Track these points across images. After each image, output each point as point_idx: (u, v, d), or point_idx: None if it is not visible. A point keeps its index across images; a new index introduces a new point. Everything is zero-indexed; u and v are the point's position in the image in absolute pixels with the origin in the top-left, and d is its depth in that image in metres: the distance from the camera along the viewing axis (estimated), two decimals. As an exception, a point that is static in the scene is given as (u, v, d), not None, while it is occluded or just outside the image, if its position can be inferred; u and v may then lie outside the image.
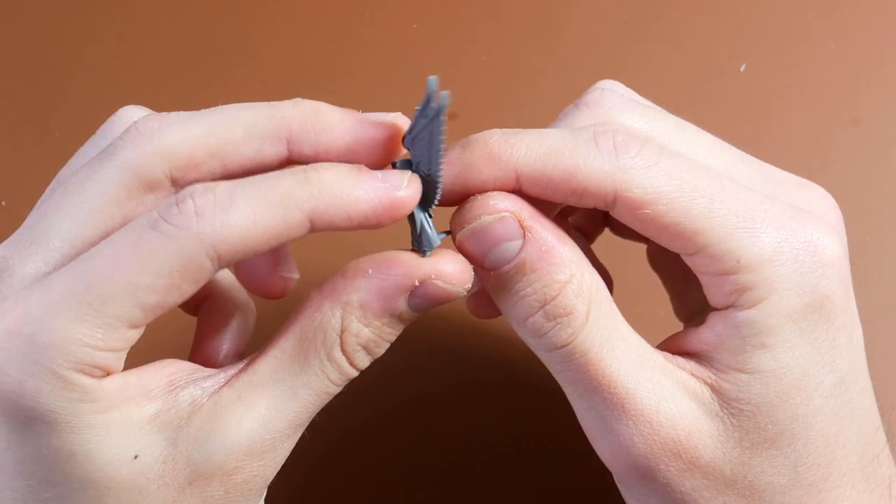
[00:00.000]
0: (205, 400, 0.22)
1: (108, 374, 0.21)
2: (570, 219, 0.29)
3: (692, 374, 0.23)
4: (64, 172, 0.26)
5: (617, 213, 0.23)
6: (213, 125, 0.23)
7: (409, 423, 0.35)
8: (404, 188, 0.22)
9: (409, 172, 0.23)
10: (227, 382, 0.23)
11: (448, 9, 0.44)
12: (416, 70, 0.43)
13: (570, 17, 0.43)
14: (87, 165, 0.23)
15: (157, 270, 0.21)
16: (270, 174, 0.22)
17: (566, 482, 0.34)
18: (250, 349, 0.25)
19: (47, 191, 0.25)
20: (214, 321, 0.28)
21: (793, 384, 0.22)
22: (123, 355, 0.22)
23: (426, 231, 0.23)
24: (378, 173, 0.22)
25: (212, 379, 0.23)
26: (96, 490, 0.21)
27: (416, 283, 0.23)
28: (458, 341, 0.36)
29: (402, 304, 0.23)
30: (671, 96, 0.41)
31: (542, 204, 0.24)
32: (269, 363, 0.23)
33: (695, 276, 0.24)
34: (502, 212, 0.22)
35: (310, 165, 0.22)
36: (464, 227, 0.23)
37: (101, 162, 0.23)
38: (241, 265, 0.27)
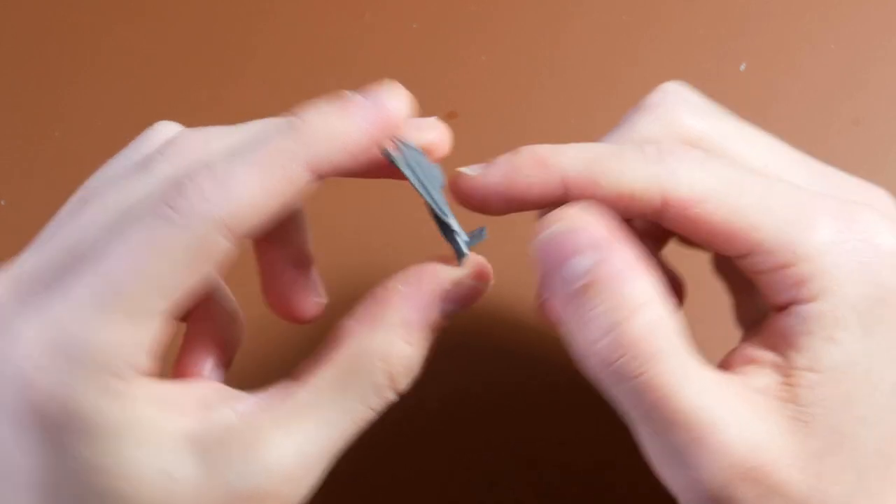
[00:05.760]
0: (240, 423, 0.22)
1: (143, 373, 0.21)
2: (637, 223, 0.29)
3: (765, 392, 0.22)
4: (93, 183, 0.25)
5: (667, 219, 0.23)
6: None
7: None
8: (390, 101, 0.23)
9: (391, 83, 0.23)
10: (263, 407, 0.22)
11: (448, 9, 0.44)
12: (417, 70, 0.43)
13: (570, 16, 0.43)
14: (126, 179, 0.23)
15: (176, 261, 0.21)
16: (261, 133, 0.22)
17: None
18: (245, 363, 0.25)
19: (74, 202, 0.24)
20: (204, 329, 0.27)
21: (857, 381, 0.22)
22: (157, 353, 0.22)
23: (457, 238, 0.24)
24: (358, 97, 0.23)
25: (244, 402, 0.23)
26: None
27: (449, 287, 0.23)
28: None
29: (437, 313, 0.23)
30: (671, 96, 0.41)
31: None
32: (309, 391, 0.23)
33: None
34: (583, 220, 0.22)
35: (295, 114, 0.22)
36: (542, 233, 0.22)
37: (141, 177, 0.23)
38: (270, 290, 0.27)
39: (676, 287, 0.28)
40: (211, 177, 0.21)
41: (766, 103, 0.40)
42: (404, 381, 0.23)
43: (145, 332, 0.21)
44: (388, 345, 0.23)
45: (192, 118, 0.43)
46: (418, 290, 0.23)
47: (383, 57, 0.43)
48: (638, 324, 0.21)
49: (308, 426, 0.22)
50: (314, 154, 0.22)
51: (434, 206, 0.24)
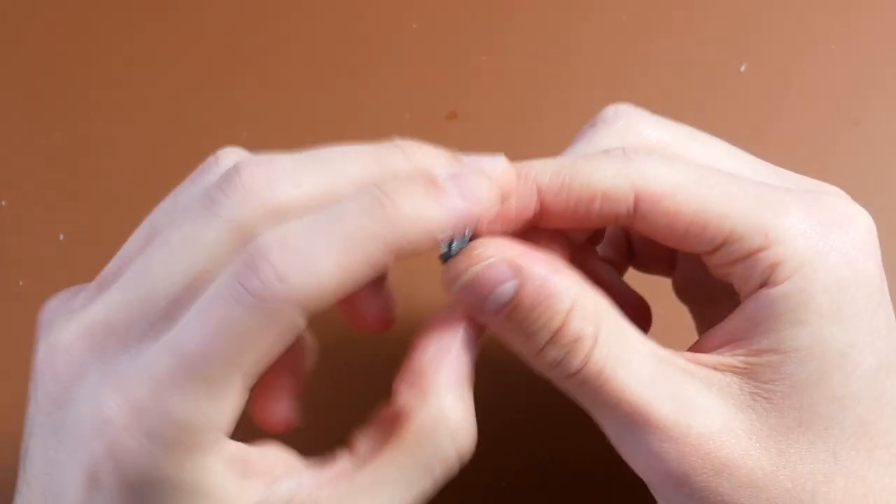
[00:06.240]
0: (301, 498, 0.22)
1: (223, 439, 0.21)
2: (598, 248, 0.29)
3: (716, 369, 0.23)
4: (159, 219, 0.25)
5: (639, 217, 0.23)
6: (323, 182, 0.23)
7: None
8: (484, 200, 0.22)
9: (485, 179, 0.23)
10: (324, 484, 0.22)
11: (448, 9, 0.44)
12: (417, 70, 0.43)
13: (569, 17, 0.43)
14: (191, 219, 0.23)
15: (255, 344, 0.21)
16: (344, 210, 0.21)
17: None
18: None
19: (141, 238, 0.24)
20: (278, 361, 0.28)
21: (831, 363, 0.22)
22: (236, 419, 0.22)
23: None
24: (452, 186, 0.22)
25: (308, 476, 0.22)
26: None
27: (472, 332, 0.23)
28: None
29: (473, 358, 0.23)
30: (671, 96, 0.41)
31: (560, 238, 0.24)
32: (370, 475, 0.22)
33: (722, 297, 0.24)
34: (489, 258, 0.22)
35: (382, 191, 0.21)
36: (455, 282, 0.23)
37: (206, 219, 0.22)
38: (343, 302, 0.26)
39: (642, 312, 0.29)
40: (288, 255, 0.20)
41: (766, 103, 0.40)
42: (468, 444, 0.23)
43: (225, 406, 0.21)
44: (448, 412, 0.22)
45: (192, 118, 0.43)
46: (449, 348, 0.23)
47: (383, 57, 0.43)
48: (573, 325, 0.22)
49: None
50: (398, 238, 0.21)
51: (447, 255, 0.23)
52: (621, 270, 0.30)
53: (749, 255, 0.22)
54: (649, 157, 0.23)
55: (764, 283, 0.22)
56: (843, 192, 0.25)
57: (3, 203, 0.41)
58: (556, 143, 0.27)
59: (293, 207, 0.22)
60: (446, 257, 0.24)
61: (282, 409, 0.26)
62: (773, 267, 0.22)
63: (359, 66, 0.43)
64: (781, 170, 0.26)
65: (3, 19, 0.46)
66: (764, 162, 0.26)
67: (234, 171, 0.22)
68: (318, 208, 0.22)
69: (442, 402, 0.22)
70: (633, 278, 0.30)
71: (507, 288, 0.22)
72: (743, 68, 0.41)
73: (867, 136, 0.39)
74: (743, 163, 0.25)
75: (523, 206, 0.23)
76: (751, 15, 0.43)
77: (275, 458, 0.23)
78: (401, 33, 0.44)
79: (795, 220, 0.22)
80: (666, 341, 0.25)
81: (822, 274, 0.22)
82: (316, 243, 0.21)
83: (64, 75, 0.44)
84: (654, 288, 0.29)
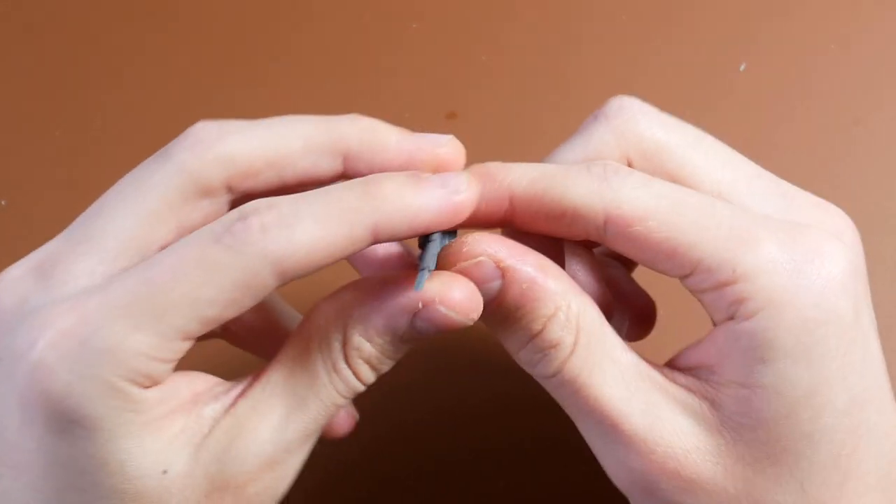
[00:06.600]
0: (223, 414, 0.22)
1: (154, 384, 0.21)
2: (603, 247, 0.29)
3: (690, 390, 0.23)
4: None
5: (610, 239, 0.23)
6: (272, 136, 0.24)
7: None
8: (463, 192, 0.22)
9: (467, 174, 0.23)
10: (242, 393, 0.23)
11: (448, 9, 0.44)
12: (417, 70, 0.43)
13: (569, 17, 0.43)
14: (143, 167, 0.23)
15: (220, 284, 0.20)
16: (331, 188, 0.22)
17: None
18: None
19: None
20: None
21: (797, 401, 0.22)
22: (172, 367, 0.22)
23: (429, 253, 0.23)
24: (436, 178, 0.22)
25: (231, 392, 0.23)
26: (121, 501, 0.21)
27: (420, 307, 0.22)
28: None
29: (404, 325, 0.22)
30: (671, 96, 0.41)
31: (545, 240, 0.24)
32: (281, 372, 0.23)
33: None
34: (478, 255, 0.22)
35: (369, 178, 0.22)
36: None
37: (158, 164, 0.23)
38: (365, 270, 0.27)
39: (648, 310, 0.29)
40: (277, 216, 0.21)
41: (766, 103, 0.40)
42: (367, 373, 0.23)
43: (170, 346, 0.21)
44: (347, 335, 0.23)
45: (192, 118, 0.43)
46: (389, 298, 0.23)
47: (383, 57, 0.43)
48: (552, 332, 0.22)
49: (280, 408, 0.22)
50: (380, 220, 0.21)
51: (421, 274, 0.23)
52: (630, 266, 0.30)
53: (716, 288, 0.22)
54: (627, 179, 0.23)
55: (731, 317, 0.22)
56: (843, 217, 0.25)
57: (3, 203, 0.41)
58: (555, 143, 0.26)
59: (244, 160, 0.23)
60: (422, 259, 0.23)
61: (346, 420, 0.27)
62: (739, 302, 0.22)
63: (359, 66, 0.43)
64: (783, 183, 0.25)
65: (3, 19, 0.46)
66: (767, 173, 0.25)
67: (190, 128, 0.24)
68: (270, 164, 0.23)
69: (345, 321, 0.23)
70: (641, 278, 0.30)
71: (492, 287, 0.22)
72: (743, 68, 0.41)
73: (867, 136, 0.39)
74: (743, 176, 0.25)
75: (492, 208, 0.23)
76: (751, 15, 0.43)
77: (200, 384, 0.23)
78: (401, 33, 0.44)
79: (766, 256, 0.22)
80: (669, 341, 0.25)
81: (788, 314, 0.22)
82: (303, 210, 0.21)
83: (64, 75, 0.44)
84: (661, 287, 0.29)
